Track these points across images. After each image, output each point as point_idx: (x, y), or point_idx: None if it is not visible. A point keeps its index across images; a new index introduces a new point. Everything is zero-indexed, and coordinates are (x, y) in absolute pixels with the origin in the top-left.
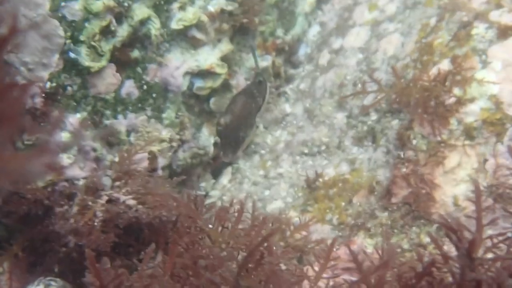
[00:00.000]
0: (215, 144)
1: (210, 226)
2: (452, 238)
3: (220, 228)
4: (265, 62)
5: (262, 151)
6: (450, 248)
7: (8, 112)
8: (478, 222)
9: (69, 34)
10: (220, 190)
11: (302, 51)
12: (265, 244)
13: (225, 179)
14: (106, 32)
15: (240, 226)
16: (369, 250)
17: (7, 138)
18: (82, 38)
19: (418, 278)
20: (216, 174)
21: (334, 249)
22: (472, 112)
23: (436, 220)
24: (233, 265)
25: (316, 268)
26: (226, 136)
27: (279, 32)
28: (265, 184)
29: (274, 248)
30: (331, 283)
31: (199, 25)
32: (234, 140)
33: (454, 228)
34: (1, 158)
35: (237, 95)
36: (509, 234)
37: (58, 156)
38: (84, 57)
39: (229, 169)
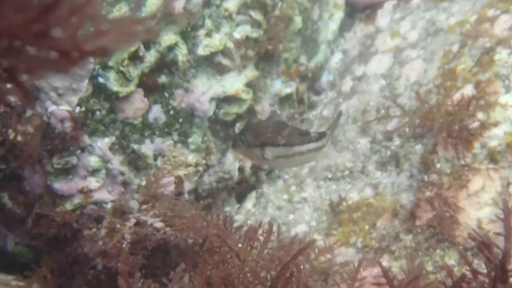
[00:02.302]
0: (239, 168)
1: (240, 245)
2: (484, 251)
3: (249, 248)
4: (289, 88)
5: (286, 176)
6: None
7: None
8: (507, 237)
9: (98, 59)
10: (245, 214)
11: (325, 79)
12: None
13: (249, 203)
14: (134, 58)
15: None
16: (395, 271)
17: None
18: (110, 63)
19: None
20: (241, 199)
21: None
22: (496, 136)
23: (469, 235)
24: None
25: None
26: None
27: (303, 59)
28: (289, 208)
29: (302, 267)
30: None
31: (225, 52)
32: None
33: (486, 242)
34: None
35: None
36: None
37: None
38: (113, 82)
39: (253, 194)
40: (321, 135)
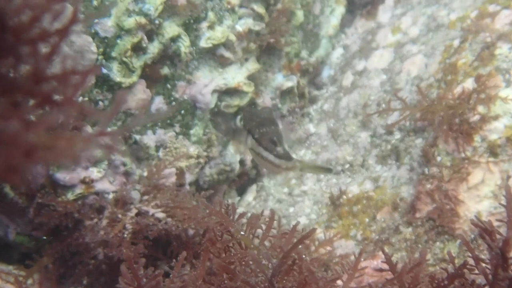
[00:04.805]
0: (240, 161)
1: (242, 233)
2: (486, 238)
3: (251, 236)
4: (290, 82)
5: None
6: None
7: (69, 95)
8: (509, 224)
9: (101, 50)
10: (245, 207)
11: (326, 73)
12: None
13: (250, 196)
14: (138, 49)
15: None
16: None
17: (67, 118)
18: (114, 54)
19: (450, 279)
20: (241, 192)
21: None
22: (496, 130)
23: (472, 221)
24: (267, 270)
25: (343, 279)
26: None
27: (304, 53)
28: (290, 201)
29: (303, 256)
30: None
31: (227, 44)
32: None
33: (488, 229)
34: (59, 137)
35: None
36: None
37: (117, 139)
38: (116, 73)
39: (254, 187)
40: (284, 156)
